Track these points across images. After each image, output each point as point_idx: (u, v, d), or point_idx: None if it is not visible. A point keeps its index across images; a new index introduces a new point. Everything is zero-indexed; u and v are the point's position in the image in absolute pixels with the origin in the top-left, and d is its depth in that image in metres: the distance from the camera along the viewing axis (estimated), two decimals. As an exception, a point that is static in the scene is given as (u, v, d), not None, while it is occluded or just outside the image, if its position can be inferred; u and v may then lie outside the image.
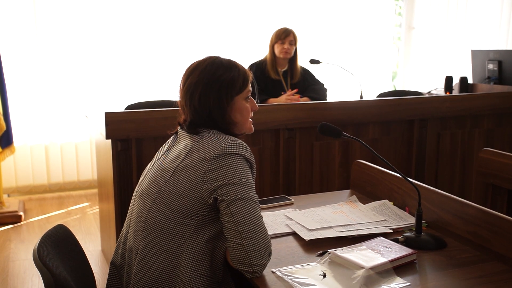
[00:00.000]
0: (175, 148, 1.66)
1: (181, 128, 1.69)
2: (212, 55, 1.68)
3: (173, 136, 1.74)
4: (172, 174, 1.57)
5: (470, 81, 4.59)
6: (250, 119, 1.71)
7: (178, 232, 1.54)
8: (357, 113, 3.45)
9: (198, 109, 1.61)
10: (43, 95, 4.85)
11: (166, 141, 1.77)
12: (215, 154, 1.53)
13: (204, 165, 1.53)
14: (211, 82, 1.61)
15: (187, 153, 1.58)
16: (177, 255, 1.54)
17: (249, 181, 1.54)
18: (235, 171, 1.52)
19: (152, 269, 1.55)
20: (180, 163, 1.58)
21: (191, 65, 1.68)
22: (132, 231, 1.64)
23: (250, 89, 1.69)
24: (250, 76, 1.69)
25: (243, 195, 1.51)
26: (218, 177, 1.51)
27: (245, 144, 1.58)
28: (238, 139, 1.58)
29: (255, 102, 1.74)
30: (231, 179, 1.51)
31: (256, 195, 1.55)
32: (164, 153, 1.70)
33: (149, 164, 1.75)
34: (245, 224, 1.49)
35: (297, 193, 3.29)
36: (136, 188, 1.72)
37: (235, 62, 1.68)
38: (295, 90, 3.75)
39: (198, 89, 1.61)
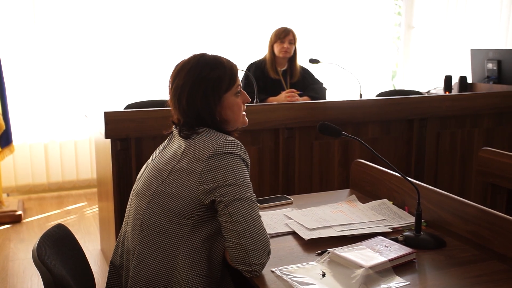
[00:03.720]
0: (170, 148, 1.66)
1: (176, 127, 1.69)
2: (197, 53, 1.65)
3: (169, 136, 1.73)
4: (168, 176, 1.57)
5: (469, 80, 4.60)
6: (244, 112, 1.69)
7: (175, 232, 1.54)
8: (356, 113, 3.45)
9: (187, 110, 1.60)
10: (43, 94, 4.85)
11: (164, 141, 1.77)
12: (209, 154, 1.52)
13: (200, 166, 1.52)
14: (197, 83, 1.58)
15: (182, 154, 1.57)
16: (174, 254, 1.54)
17: (246, 180, 1.54)
18: (232, 171, 1.51)
19: (149, 269, 1.55)
20: (176, 164, 1.56)
21: (177, 66, 1.66)
22: (129, 230, 1.64)
23: (240, 83, 1.66)
24: (237, 70, 1.65)
25: (241, 195, 1.50)
26: (214, 178, 1.50)
27: (238, 142, 1.57)
28: (231, 138, 1.57)
29: (248, 96, 1.70)
30: (228, 180, 1.50)
31: (254, 194, 1.54)
32: (159, 152, 1.70)
33: (145, 164, 1.75)
34: (243, 223, 1.49)
35: (297, 192, 3.29)
36: (133, 187, 1.72)
37: (221, 58, 1.64)
38: (295, 90, 3.74)
39: (185, 91, 1.59)
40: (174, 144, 1.65)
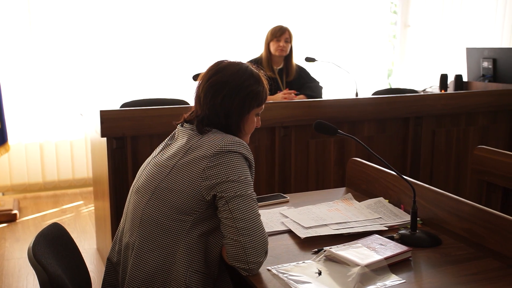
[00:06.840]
0: (173, 146, 1.67)
1: (182, 125, 1.69)
2: (243, 62, 1.71)
3: (171, 134, 1.74)
4: (170, 171, 1.58)
5: (465, 79, 4.61)
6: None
7: (174, 228, 1.54)
8: (352, 111, 3.46)
9: (218, 107, 1.62)
10: (38, 93, 4.83)
11: (162, 139, 1.77)
12: (214, 152, 1.53)
13: (203, 163, 1.53)
14: (240, 88, 1.63)
15: (186, 151, 1.59)
16: (173, 251, 1.54)
17: (248, 178, 1.55)
18: (234, 168, 1.53)
19: (148, 265, 1.55)
20: (179, 160, 1.58)
21: (220, 63, 1.68)
22: (128, 227, 1.65)
23: (263, 108, 1.73)
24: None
25: (242, 192, 1.51)
26: (217, 174, 1.52)
27: (244, 142, 1.60)
28: (237, 138, 1.60)
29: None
30: (229, 177, 1.51)
31: (254, 193, 1.56)
32: (161, 150, 1.71)
33: (145, 161, 1.75)
34: (243, 221, 1.49)
35: (293, 191, 3.30)
36: (132, 184, 1.72)
37: (263, 76, 1.71)
38: (292, 91, 3.74)
39: (224, 89, 1.62)
40: (178, 142, 1.66)
